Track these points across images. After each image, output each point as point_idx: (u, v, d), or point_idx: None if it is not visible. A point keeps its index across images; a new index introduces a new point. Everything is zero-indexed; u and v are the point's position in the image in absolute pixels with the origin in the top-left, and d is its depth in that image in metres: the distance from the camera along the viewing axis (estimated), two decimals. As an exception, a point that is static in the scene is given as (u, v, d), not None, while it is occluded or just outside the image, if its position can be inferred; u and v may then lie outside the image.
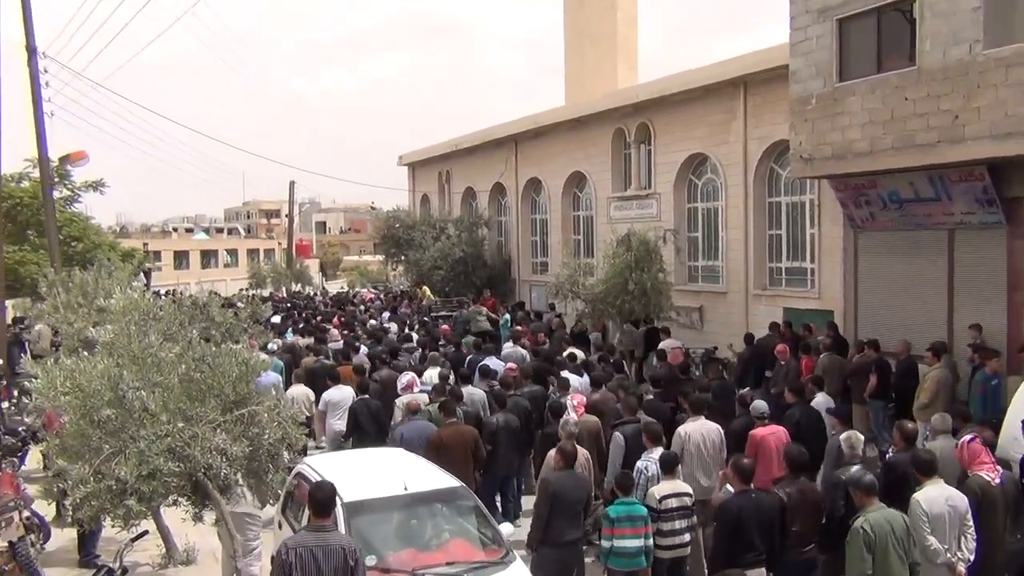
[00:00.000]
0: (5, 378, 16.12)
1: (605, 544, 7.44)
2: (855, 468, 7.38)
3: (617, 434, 9.25)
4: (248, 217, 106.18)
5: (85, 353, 7.61)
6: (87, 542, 9.42)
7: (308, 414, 11.94)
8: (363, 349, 15.56)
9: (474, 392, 11.59)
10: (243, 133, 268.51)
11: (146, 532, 7.43)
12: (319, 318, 22.78)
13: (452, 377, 12.44)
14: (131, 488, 6.36)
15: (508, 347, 15.68)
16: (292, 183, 48.14)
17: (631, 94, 21.87)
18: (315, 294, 38.99)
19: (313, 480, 7.30)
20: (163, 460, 6.40)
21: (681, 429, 9.15)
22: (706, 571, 7.90)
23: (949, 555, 6.65)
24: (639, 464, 8.45)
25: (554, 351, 15.04)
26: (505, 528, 7.55)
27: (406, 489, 7.23)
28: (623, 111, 21.74)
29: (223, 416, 6.86)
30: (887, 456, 8.70)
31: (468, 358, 14.57)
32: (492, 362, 13.47)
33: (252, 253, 70.41)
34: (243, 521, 8.16)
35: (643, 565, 7.46)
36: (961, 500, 6.78)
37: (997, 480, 7.14)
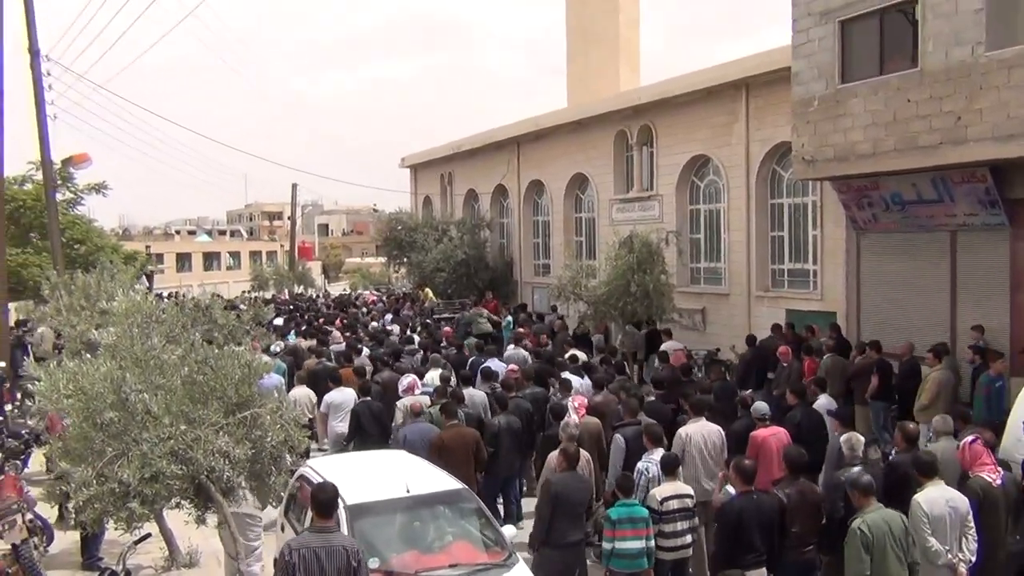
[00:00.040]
0: (8, 381, 16.14)
1: (606, 546, 7.44)
2: (855, 469, 7.38)
3: (618, 436, 9.26)
4: (250, 219, 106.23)
5: (88, 356, 7.62)
6: (90, 545, 9.42)
7: (310, 415, 11.96)
8: (365, 351, 15.56)
9: (475, 394, 11.58)
10: (243, 133, 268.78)
11: (149, 535, 7.43)
12: (321, 320, 22.80)
13: (453, 379, 12.44)
14: (134, 491, 6.36)
15: (510, 349, 15.68)
16: (294, 185, 48.30)
17: (633, 96, 21.87)
18: (317, 296, 39.02)
19: (315, 482, 7.30)
20: (166, 463, 6.41)
21: (682, 430, 9.15)
22: (708, 573, 7.91)
23: (950, 556, 6.64)
24: (640, 465, 8.45)
25: (556, 353, 15.04)
26: (508, 530, 7.55)
27: (409, 491, 7.23)
28: (625, 113, 21.74)
29: (226, 419, 6.86)
30: (890, 457, 8.70)
31: (470, 360, 14.58)
32: (494, 364, 13.49)
33: (255, 255, 70.42)
34: (244, 522, 8.17)
35: (644, 567, 7.46)
36: (962, 501, 6.77)
37: (998, 481, 7.14)
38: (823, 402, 10.40)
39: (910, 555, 6.45)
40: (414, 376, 11.99)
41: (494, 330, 20.45)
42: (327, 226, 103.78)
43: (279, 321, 22.42)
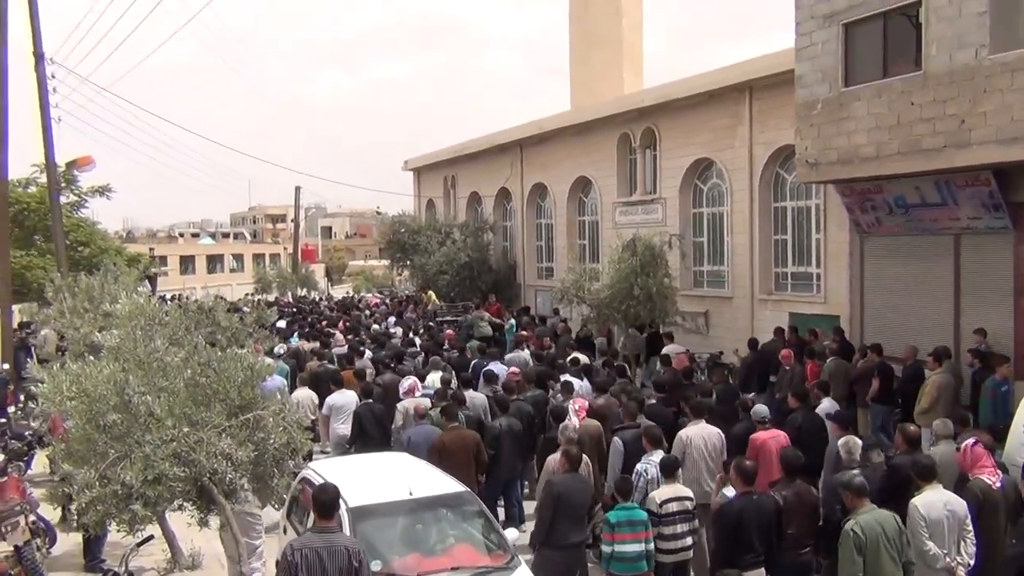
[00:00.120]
0: (11, 383, 16.16)
1: (606, 549, 7.45)
2: (853, 472, 7.39)
3: (616, 439, 9.28)
4: (254, 222, 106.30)
5: (91, 358, 7.63)
6: (93, 547, 9.43)
7: (312, 417, 11.97)
8: (367, 354, 15.57)
9: (475, 396, 11.60)
10: (242, 133, 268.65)
11: (151, 537, 7.42)
12: (324, 323, 22.81)
13: (454, 381, 12.44)
14: (136, 493, 6.37)
15: (512, 352, 15.69)
16: (298, 188, 48.45)
17: (636, 99, 21.89)
18: (320, 299, 39.04)
19: (317, 484, 7.31)
20: (168, 465, 6.41)
21: (683, 433, 9.19)
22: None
23: (948, 560, 6.65)
24: (639, 467, 8.47)
25: (559, 356, 15.05)
26: (510, 533, 7.55)
27: (411, 494, 7.24)
28: (628, 116, 21.74)
29: (228, 421, 6.87)
30: (891, 460, 8.71)
31: (473, 362, 14.60)
32: (496, 366, 13.50)
33: (258, 258, 70.52)
34: (246, 520, 8.19)
35: (644, 569, 7.47)
36: (960, 505, 6.78)
37: (998, 484, 7.16)
38: (826, 405, 10.38)
39: (904, 555, 6.48)
40: (415, 378, 12.00)
41: (496, 333, 20.45)
42: (330, 229, 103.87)
43: (282, 324, 22.45)
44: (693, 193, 20.35)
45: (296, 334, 20.28)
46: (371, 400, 11.52)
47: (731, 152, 18.54)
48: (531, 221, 27.91)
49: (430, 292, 27.99)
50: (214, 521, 7.24)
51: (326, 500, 6.07)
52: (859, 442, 8.07)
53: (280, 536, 8.39)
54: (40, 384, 6.98)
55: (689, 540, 7.83)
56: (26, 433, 11.50)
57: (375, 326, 21.89)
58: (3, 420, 13.48)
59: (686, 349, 16.27)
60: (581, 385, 11.95)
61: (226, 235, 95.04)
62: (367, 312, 27.26)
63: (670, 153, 20.59)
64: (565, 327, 19.66)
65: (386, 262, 38.79)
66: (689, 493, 7.95)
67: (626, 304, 16.52)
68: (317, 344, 17.44)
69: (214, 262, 70.12)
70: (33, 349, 19.11)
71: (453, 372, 13.12)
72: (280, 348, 16.26)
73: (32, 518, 8.92)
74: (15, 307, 21.90)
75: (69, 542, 9.85)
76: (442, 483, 7.72)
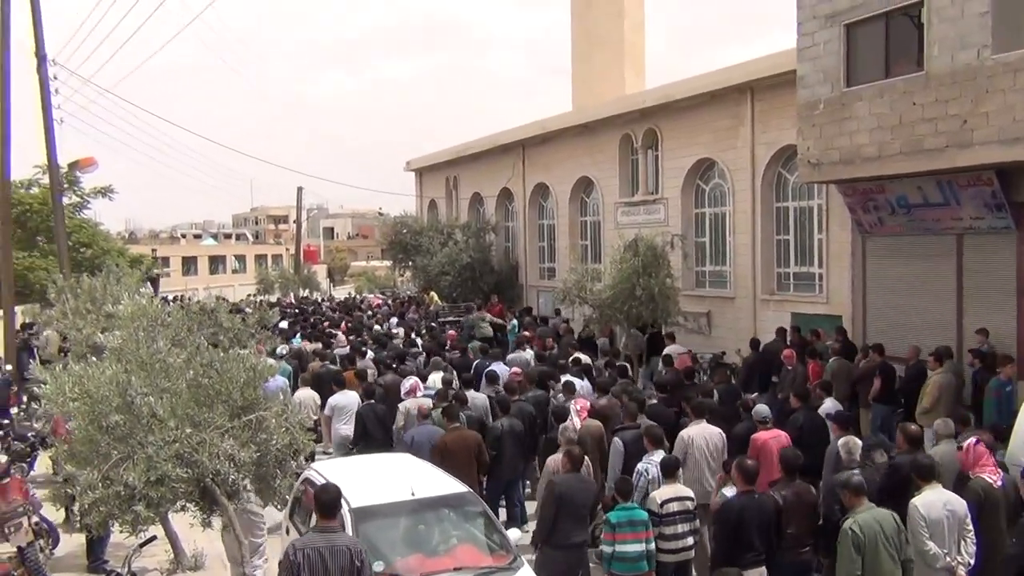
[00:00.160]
0: (14, 384, 16.17)
1: (607, 549, 7.47)
2: (852, 472, 7.40)
3: (616, 440, 9.29)
4: (256, 223, 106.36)
5: (93, 359, 7.64)
6: (96, 547, 9.44)
7: (315, 418, 11.99)
8: (369, 354, 15.59)
9: (476, 397, 11.62)
10: (245, 134, 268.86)
11: (154, 538, 7.44)
12: (326, 324, 22.82)
13: (456, 382, 12.46)
14: (139, 494, 6.38)
15: (513, 352, 15.70)
16: (300, 189, 48.36)
17: (638, 99, 21.88)
18: (322, 300, 39.07)
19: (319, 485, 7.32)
20: (171, 466, 6.43)
21: (684, 433, 9.24)
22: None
23: (948, 559, 6.65)
24: (640, 466, 8.49)
25: (561, 357, 15.05)
26: (513, 534, 7.56)
27: (414, 495, 7.24)
28: (630, 116, 21.74)
29: (231, 422, 6.88)
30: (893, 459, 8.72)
31: (475, 363, 14.61)
32: (498, 367, 13.51)
33: (260, 259, 70.60)
34: (248, 519, 8.20)
35: (645, 569, 7.49)
36: (960, 504, 6.78)
37: (999, 483, 7.18)
38: (828, 405, 10.39)
39: (903, 553, 6.51)
40: (416, 378, 12.03)
41: (498, 334, 20.45)
42: (332, 229, 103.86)
43: (284, 324, 22.46)
44: (695, 193, 20.34)
45: (298, 335, 20.30)
46: (373, 401, 11.53)
47: (733, 152, 18.53)
48: (533, 221, 27.91)
49: (432, 293, 28.00)
50: (216, 522, 7.25)
51: (327, 500, 6.11)
52: (859, 442, 8.09)
53: (283, 537, 8.40)
54: (43, 385, 7.00)
55: (690, 540, 7.84)
56: (29, 434, 11.54)
57: (377, 327, 21.89)
58: (6, 421, 13.50)
59: (688, 349, 16.28)
60: (582, 385, 11.96)
61: (228, 236, 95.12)
62: (369, 313, 27.27)
63: (672, 153, 20.58)
64: (567, 328, 19.67)
65: (388, 263, 38.86)
66: (690, 493, 7.97)
67: (628, 304, 16.51)
68: (319, 345, 17.46)
69: (216, 263, 70.21)
70: (36, 350, 19.11)
71: (455, 372, 13.13)
72: (282, 349, 16.28)
73: (35, 519, 8.94)
74: (18, 308, 21.92)
75: (72, 543, 9.88)
76: (444, 483, 7.73)
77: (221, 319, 9.29)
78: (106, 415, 6.54)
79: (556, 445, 8.98)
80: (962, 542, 6.72)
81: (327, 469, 8.15)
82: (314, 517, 6.33)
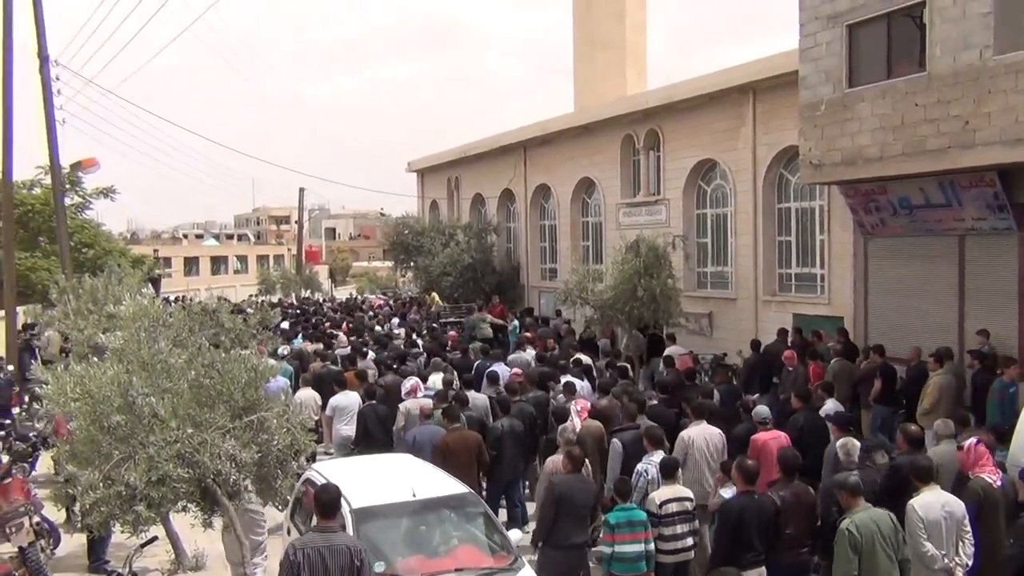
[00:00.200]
0: (16, 384, 16.19)
1: (606, 550, 7.48)
2: (849, 472, 7.40)
3: (615, 441, 9.29)
4: (258, 223, 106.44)
5: (95, 359, 7.64)
6: (97, 548, 9.45)
7: (316, 418, 11.99)
8: (371, 355, 15.59)
9: (477, 397, 11.62)
10: (246, 134, 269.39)
11: (155, 538, 7.44)
12: (327, 324, 22.83)
13: (456, 382, 12.46)
14: (140, 494, 6.38)
15: (514, 353, 15.71)
16: (302, 190, 48.39)
17: (640, 100, 21.87)
18: (324, 300, 39.08)
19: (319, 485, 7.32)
20: (172, 466, 6.43)
21: (684, 434, 9.25)
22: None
23: (946, 560, 6.64)
24: (639, 466, 8.50)
25: (562, 357, 15.05)
26: (514, 534, 7.56)
27: (415, 495, 7.24)
28: (632, 117, 21.73)
29: (232, 422, 6.89)
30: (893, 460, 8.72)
31: (476, 363, 14.61)
32: (499, 368, 13.51)
33: (262, 259, 70.58)
34: (249, 517, 8.21)
35: (644, 570, 7.49)
36: (958, 505, 6.78)
37: (998, 483, 7.18)
38: (830, 406, 10.38)
39: (900, 553, 6.50)
40: (416, 379, 12.04)
41: (500, 334, 20.44)
42: (334, 230, 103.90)
43: (286, 325, 22.47)
44: (697, 194, 20.34)
45: (300, 335, 20.30)
46: (375, 401, 11.53)
47: (735, 153, 18.52)
48: (535, 222, 27.91)
49: (434, 294, 28.01)
50: (218, 522, 7.25)
51: (327, 500, 6.13)
52: (857, 444, 8.09)
53: (284, 537, 8.40)
54: (44, 385, 7.00)
55: (689, 540, 7.84)
56: (30, 434, 11.55)
57: (378, 328, 21.90)
58: (8, 421, 13.53)
59: (689, 350, 16.28)
60: (582, 386, 11.97)
61: (230, 236, 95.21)
62: (371, 314, 27.28)
63: (674, 154, 20.58)
64: (569, 328, 19.67)
65: (390, 264, 38.84)
66: (689, 494, 7.97)
67: (630, 305, 16.50)
68: (320, 345, 17.46)
69: (218, 263, 70.22)
70: (37, 351, 19.15)
71: (455, 373, 13.13)
72: (284, 349, 16.29)
73: (36, 519, 8.95)
74: (19, 308, 21.96)
75: (73, 543, 9.88)
76: (445, 484, 7.72)
77: (223, 320, 9.31)
78: (107, 415, 6.55)
79: (556, 446, 8.98)
80: (960, 543, 6.72)
81: (328, 470, 8.15)
82: (314, 517, 6.33)
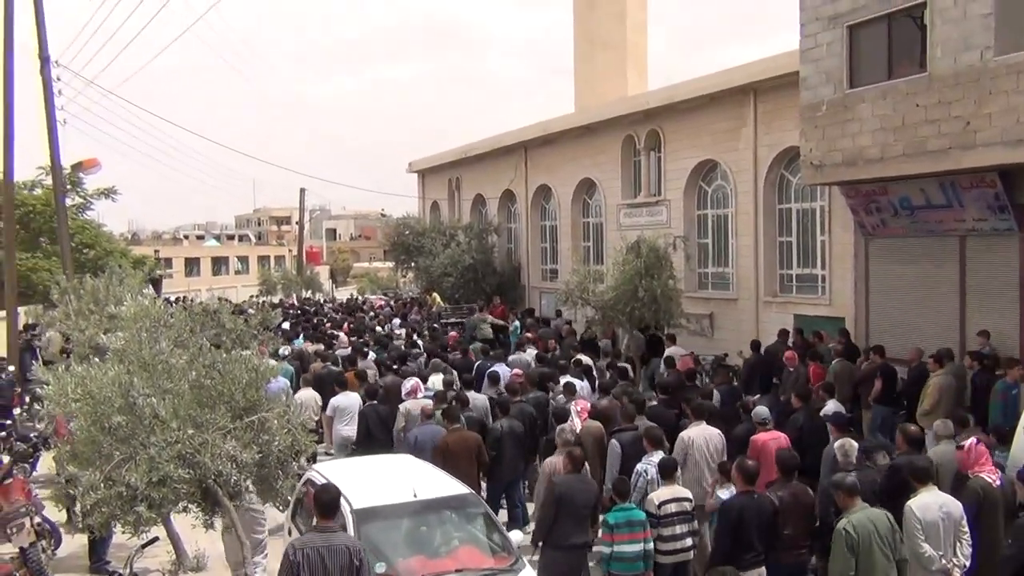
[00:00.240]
0: (17, 384, 16.21)
1: (605, 550, 7.49)
2: (847, 473, 7.40)
3: (614, 441, 9.30)
4: (259, 224, 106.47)
5: (96, 360, 7.65)
6: (98, 548, 9.45)
7: (316, 418, 11.99)
8: (371, 355, 15.59)
9: (477, 398, 11.63)
10: (247, 135, 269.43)
11: (156, 539, 7.44)
12: (328, 324, 22.84)
13: (456, 383, 12.47)
14: (141, 495, 6.39)
15: (515, 353, 15.71)
16: (303, 190, 48.36)
17: (641, 101, 21.86)
18: (324, 301, 39.09)
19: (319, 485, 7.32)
20: (173, 467, 6.43)
21: (684, 434, 9.25)
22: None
23: (944, 561, 6.64)
24: (639, 467, 8.50)
25: (563, 358, 15.05)
26: (515, 535, 7.56)
27: (416, 496, 7.24)
28: (633, 118, 21.73)
29: (233, 423, 6.89)
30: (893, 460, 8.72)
31: (476, 364, 14.62)
32: (500, 368, 13.51)
33: (263, 260, 70.60)
34: (250, 516, 8.21)
35: (642, 569, 7.50)
36: (956, 506, 6.78)
37: (997, 482, 7.18)
38: (831, 407, 10.38)
39: (898, 553, 6.51)
40: (416, 379, 12.03)
41: (501, 335, 20.44)
42: (335, 231, 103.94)
43: (286, 325, 22.48)
44: (697, 195, 20.34)
45: (300, 336, 20.30)
46: (375, 402, 11.53)
47: (735, 154, 18.52)
48: (535, 223, 27.92)
49: (435, 294, 28.01)
50: (219, 523, 7.25)
51: (327, 500, 6.14)
52: (855, 445, 8.09)
53: (284, 538, 8.40)
54: (45, 386, 7.01)
55: (689, 541, 7.85)
56: (31, 435, 11.55)
57: (379, 328, 21.91)
58: (8, 422, 13.54)
59: (690, 351, 16.27)
60: (582, 386, 11.97)
61: (231, 237, 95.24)
62: (371, 314, 27.29)
63: (675, 155, 20.58)
64: (570, 329, 19.67)
65: (390, 264, 38.83)
66: (688, 494, 7.98)
67: (631, 306, 16.50)
68: (321, 346, 17.46)
69: (219, 264, 70.25)
70: (38, 351, 19.16)
71: (455, 373, 13.14)
72: (284, 350, 16.31)
73: (37, 520, 8.95)
74: (21, 309, 21.97)
75: (74, 544, 9.88)
76: (446, 485, 7.73)
77: (224, 320, 9.34)
78: (108, 416, 6.55)
79: (555, 446, 8.98)
80: (957, 544, 6.72)
81: (329, 470, 8.15)
82: (314, 517, 6.34)
